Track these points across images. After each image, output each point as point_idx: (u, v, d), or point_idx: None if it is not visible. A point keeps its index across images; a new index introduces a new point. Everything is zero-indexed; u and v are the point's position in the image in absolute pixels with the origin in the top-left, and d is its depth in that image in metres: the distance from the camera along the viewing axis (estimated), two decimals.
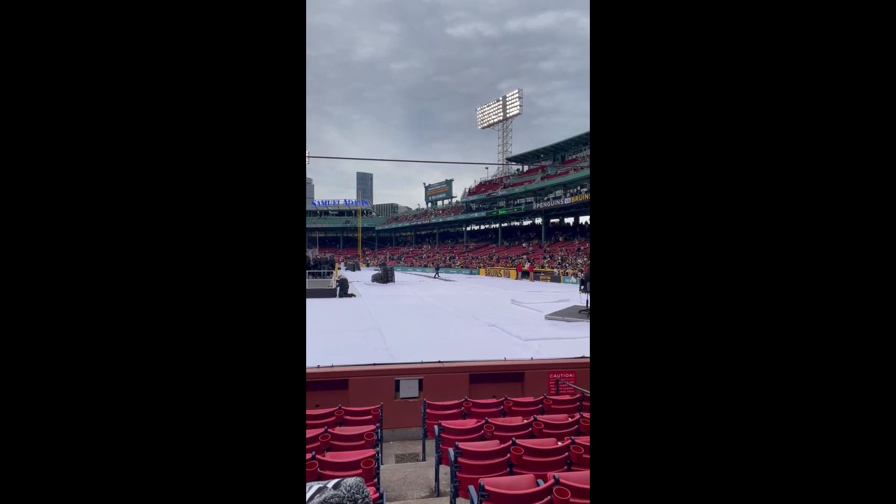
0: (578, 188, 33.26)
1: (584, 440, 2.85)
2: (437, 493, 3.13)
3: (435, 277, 30.13)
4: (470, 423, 3.38)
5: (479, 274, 32.31)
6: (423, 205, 56.56)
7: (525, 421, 3.40)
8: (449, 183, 51.62)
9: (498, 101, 47.56)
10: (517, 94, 45.76)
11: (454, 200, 50.75)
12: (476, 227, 49.21)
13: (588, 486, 2.12)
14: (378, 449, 3.16)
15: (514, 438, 2.75)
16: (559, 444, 2.83)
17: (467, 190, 48.17)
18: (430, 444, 3.77)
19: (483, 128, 50.01)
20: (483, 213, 42.78)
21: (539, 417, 3.42)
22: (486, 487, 2.07)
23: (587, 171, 31.43)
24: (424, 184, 55.52)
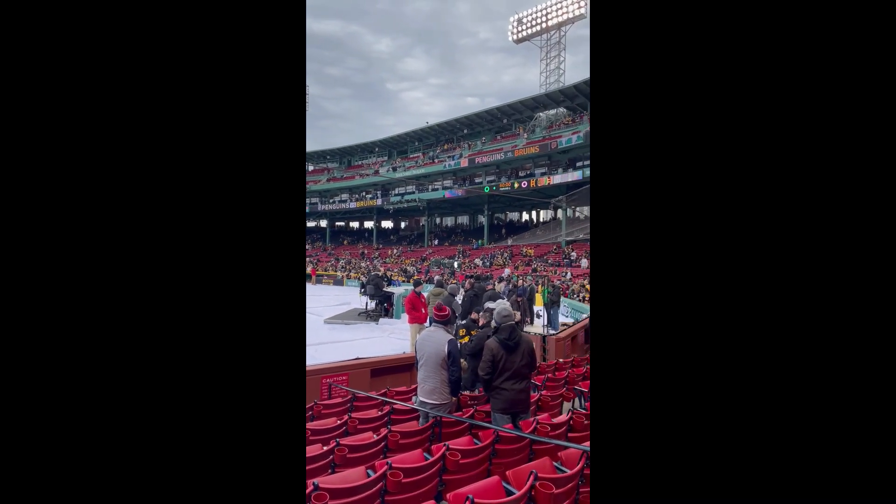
0: (363, 193, 34.28)
1: (348, 441, 3.00)
2: None
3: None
4: None
5: None
6: None
7: None
8: None
9: None
10: None
11: None
12: None
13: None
14: None
15: None
16: (324, 448, 2.89)
17: None
18: None
19: None
20: None
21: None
22: None
23: (373, 178, 32.75)
24: None
